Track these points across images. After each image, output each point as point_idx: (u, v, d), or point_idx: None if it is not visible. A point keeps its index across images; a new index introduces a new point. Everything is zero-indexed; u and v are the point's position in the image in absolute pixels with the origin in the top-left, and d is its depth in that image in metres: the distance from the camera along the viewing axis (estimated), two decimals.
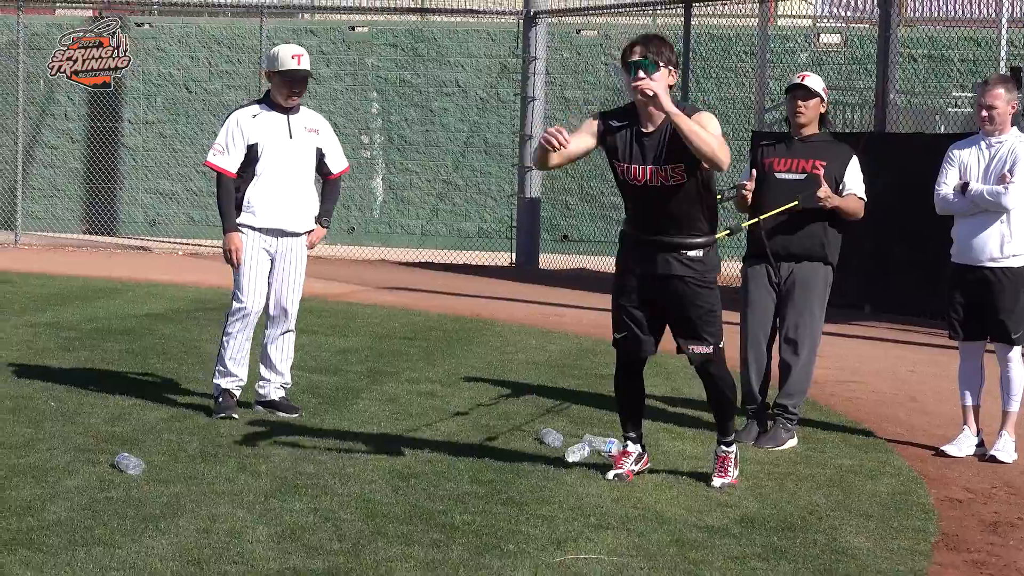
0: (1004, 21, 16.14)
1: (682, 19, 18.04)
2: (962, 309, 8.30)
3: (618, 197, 7.62)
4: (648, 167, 6.89)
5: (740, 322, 8.56)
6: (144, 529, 5.98)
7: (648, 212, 7.01)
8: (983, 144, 8.25)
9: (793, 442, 8.33)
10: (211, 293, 14.78)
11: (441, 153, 21.94)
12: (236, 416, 8.39)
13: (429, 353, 11.30)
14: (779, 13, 21.11)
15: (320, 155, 8.78)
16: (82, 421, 8.12)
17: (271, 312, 8.70)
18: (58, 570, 5.41)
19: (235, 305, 8.61)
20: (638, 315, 7.11)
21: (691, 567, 5.82)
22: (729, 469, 7.25)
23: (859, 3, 19.31)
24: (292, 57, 8.50)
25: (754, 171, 8.47)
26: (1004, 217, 8.12)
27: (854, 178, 8.44)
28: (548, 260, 20.26)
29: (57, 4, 23.76)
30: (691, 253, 6.98)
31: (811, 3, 21.25)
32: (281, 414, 8.57)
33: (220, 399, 8.55)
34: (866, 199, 8.48)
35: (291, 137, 8.60)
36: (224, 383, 8.57)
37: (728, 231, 8.06)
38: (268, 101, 8.65)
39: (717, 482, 7.18)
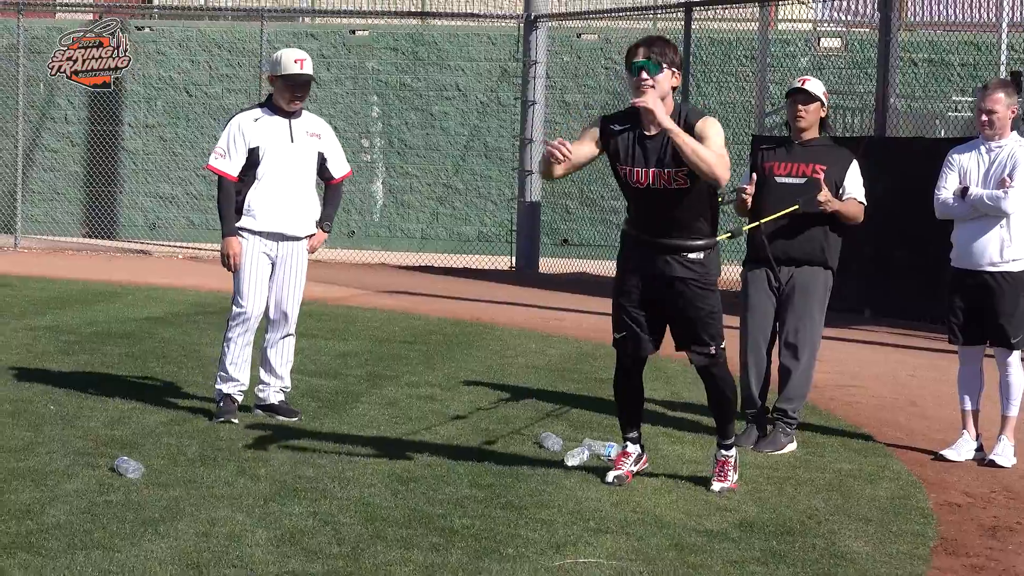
0: (1004, 25, 16.14)
1: (682, 23, 18.06)
2: (962, 313, 8.30)
3: (618, 201, 7.64)
4: (650, 170, 6.90)
5: (740, 326, 8.56)
6: (143, 533, 5.98)
7: (650, 214, 7.01)
8: (983, 148, 8.26)
9: (792, 446, 8.33)
10: (211, 297, 14.78)
11: (441, 157, 21.95)
12: (236, 421, 8.39)
13: (429, 357, 11.30)
14: (779, 17, 21.12)
15: (322, 159, 8.77)
16: (81, 425, 8.12)
17: (271, 316, 8.70)
18: (57, 574, 5.42)
19: (235, 310, 8.61)
20: (638, 315, 7.12)
21: (690, 571, 5.82)
22: (728, 473, 7.25)
23: (859, 7, 19.32)
24: (295, 61, 8.50)
25: (754, 175, 8.47)
26: (1004, 221, 8.12)
27: (854, 182, 8.44)
28: (548, 264, 20.26)
29: (57, 8, 23.78)
30: (692, 255, 6.99)
31: (811, 7, 21.26)
32: (280, 418, 8.57)
33: (221, 403, 8.55)
34: (866, 203, 8.49)
35: (292, 141, 8.60)
36: (225, 388, 8.57)
37: (729, 233, 8.06)
38: (270, 105, 8.66)
39: (716, 486, 7.18)
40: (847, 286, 10.89)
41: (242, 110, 8.84)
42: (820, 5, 20.62)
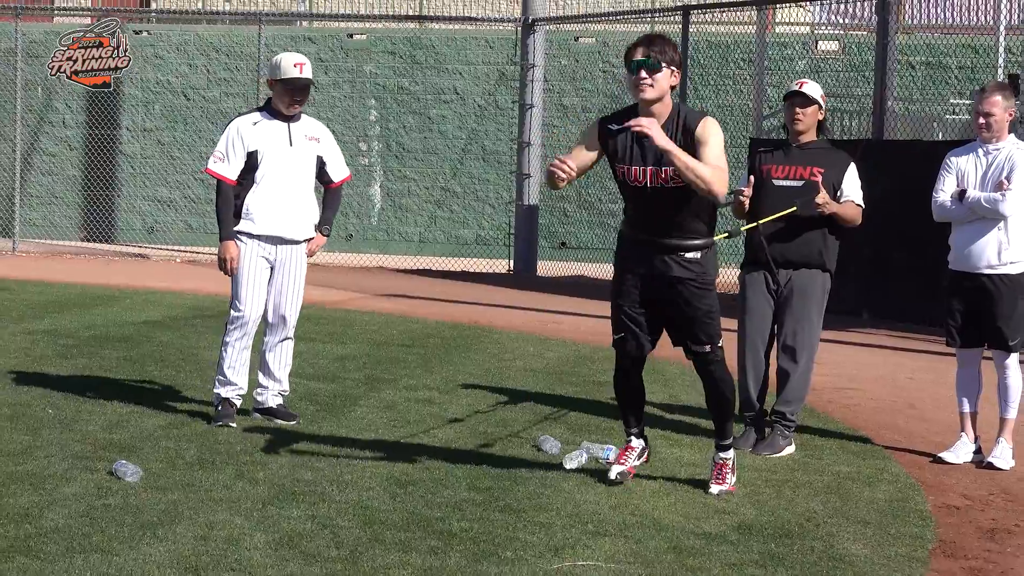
0: (1002, 28, 16.13)
1: (680, 26, 18.06)
2: (960, 316, 8.30)
3: (616, 204, 7.65)
4: (648, 168, 6.89)
5: (738, 329, 8.56)
6: (142, 536, 5.98)
7: (648, 214, 7.01)
8: (980, 151, 8.26)
9: (791, 449, 8.33)
10: (209, 300, 14.78)
11: (439, 160, 21.95)
12: (234, 424, 8.39)
13: (427, 360, 11.30)
14: (777, 20, 21.15)
15: (321, 163, 8.78)
16: (80, 428, 8.11)
17: (270, 320, 8.70)
18: None
19: (233, 313, 8.61)
20: (636, 316, 7.12)
21: (688, 574, 5.82)
22: (727, 476, 7.25)
23: (857, 10, 19.33)
24: (294, 65, 8.51)
25: (752, 178, 8.48)
26: (1001, 224, 8.12)
27: (852, 185, 8.45)
28: (546, 267, 20.27)
29: (55, 12, 23.78)
30: (690, 255, 6.99)
31: (809, 10, 21.28)
32: (279, 421, 8.57)
33: (219, 407, 8.55)
34: (864, 206, 8.49)
35: (291, 145, 8.60)
36: (224, 392, 8.57)
37: (726, 234, 8.06)
38: (269, 109, 8.66)
39: (715, 489, 7.18)
40: (845, 289, 10.90)
41: (241, 114, 8.84)
42: (818, 8, 20.63)
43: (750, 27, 19.17)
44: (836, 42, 20.29)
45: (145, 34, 22.76)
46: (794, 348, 8.42)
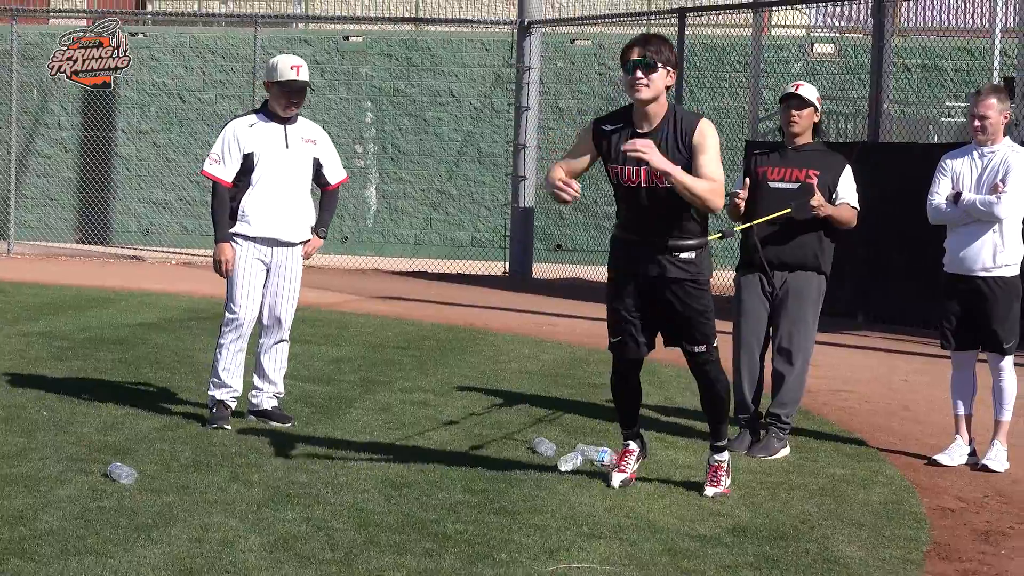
0: (997, 31, 16.17)
1: (676, 28, 18.06)
2: (954, 318, 8.31)
3: (611, 207, 7.66)
4: (642, 168, 6.89)
5: (733, 331, 8.57)
6: (136, 538, 5.97)
7: (641, 214, 7.01)
8: (976, 154, 8.27)
9: (786, 451, 8.34)
10: (204, 302, 14.78)
11: (435, 162, 21.95)
12: (229, 427, 8.38)
13: (422, 362, 11.29)
14: (773, 23, 21.16)
15: (317, 166, 8.77)
16: (75, 430, 8.11)
17: (265, 322, 8.69)
18: None
19: (228, 316, 8.61)
20: (633, 318, 7.12)
21: None
22: (721, 478, 7.26)
23: (852, 13, 19.35)
24: (291, 68, 8.50)
25: (747, 180, 8.49)
26: (996, 227, 8.13)
27: (847, 187, 8.45)
28: (541, 269, 20.27)
29: (51, 14, 23.76)
30: (684, 255, 6.99)
31: (805, 13, 21.30)
32: (274, 423, 8.57)
33: (214, 409, 8.54)
34: (859, 208, 8.50)
35: (287, 147, 8.59)
36: (218, 394, 8.57)
37: (720, 234, 8.07)
38: (266, 111, 8.65)
39: (709, 491, 7.18)
40: (840, 291, 10.92)
41: (237, 116, 8.84)
42: (813, 11, 20.65)
43: (746, 29, 19.20)
44: (832, 45, 20.31)
45: (141, 36, 22.74)
46: (789, 350, 8.43)
